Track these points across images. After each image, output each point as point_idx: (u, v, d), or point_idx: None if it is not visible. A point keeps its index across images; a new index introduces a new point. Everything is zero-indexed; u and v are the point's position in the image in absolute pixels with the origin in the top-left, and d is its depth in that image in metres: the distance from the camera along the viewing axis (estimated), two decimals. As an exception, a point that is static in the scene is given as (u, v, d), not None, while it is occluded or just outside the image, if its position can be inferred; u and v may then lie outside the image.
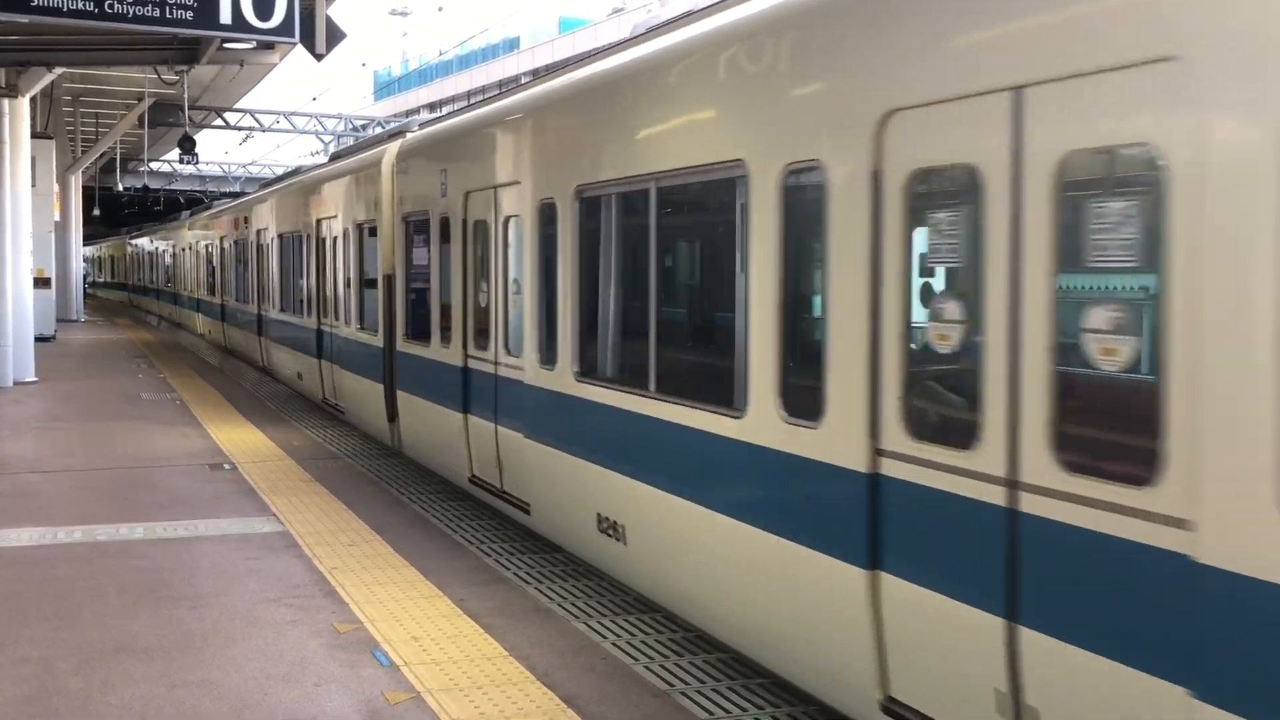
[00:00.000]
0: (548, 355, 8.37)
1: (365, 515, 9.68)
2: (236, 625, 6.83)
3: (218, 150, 72.20)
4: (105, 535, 8.97)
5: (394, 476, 11.54)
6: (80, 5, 11.10)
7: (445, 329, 10.75)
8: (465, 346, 10.26)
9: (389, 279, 12.44)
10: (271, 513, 9.75)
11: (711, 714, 5.63)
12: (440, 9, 78.73)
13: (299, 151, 59.46)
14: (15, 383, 19.05)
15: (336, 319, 15.28)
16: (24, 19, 11.54)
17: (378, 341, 13.03)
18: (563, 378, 8.08)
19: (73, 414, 15.89)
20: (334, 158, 18.16)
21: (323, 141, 47.01)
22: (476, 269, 10.03)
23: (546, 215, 8.33)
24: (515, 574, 8.02)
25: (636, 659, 6.38)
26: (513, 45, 63.47)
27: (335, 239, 15.20)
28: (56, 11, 11.12)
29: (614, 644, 6.61)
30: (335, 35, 13.83)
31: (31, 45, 15.99)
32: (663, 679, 6.08)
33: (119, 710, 5.56)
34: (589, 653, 6.42)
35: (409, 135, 12.55)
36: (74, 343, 28.62)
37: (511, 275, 9.24)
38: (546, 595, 7.53)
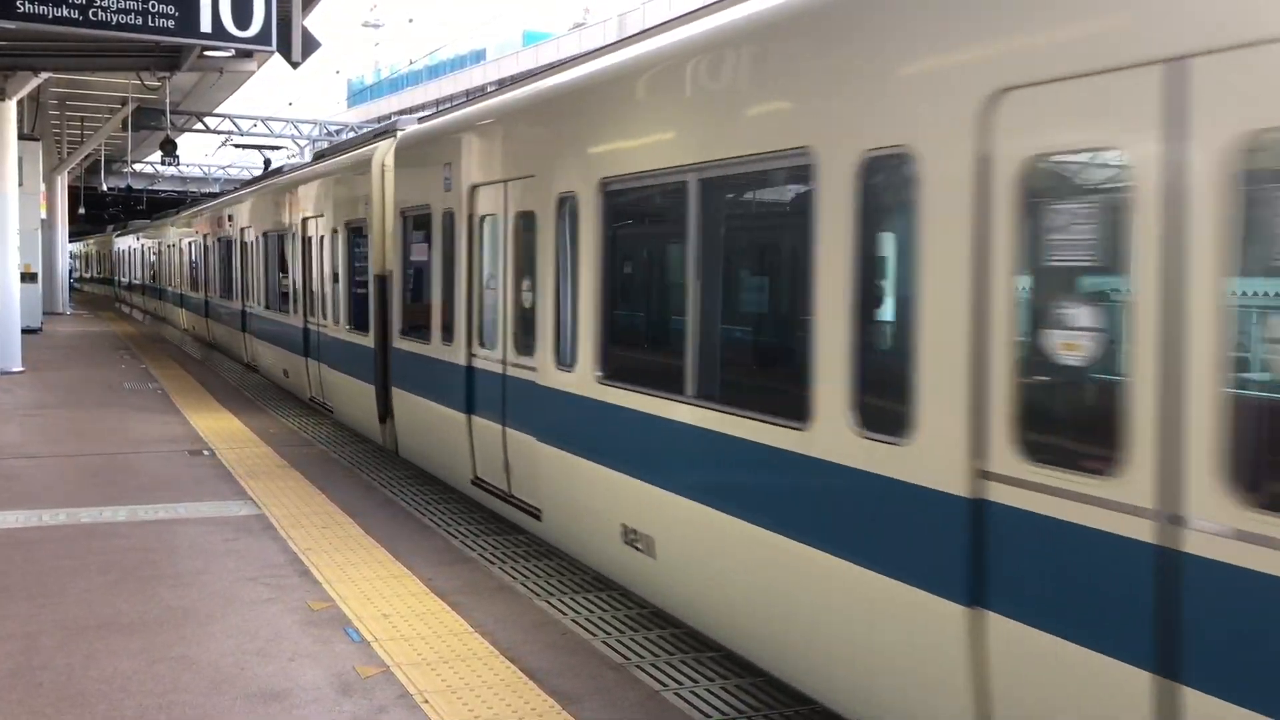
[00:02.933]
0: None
1: (338, 499, 9.58)
2: (215, 603, 6.73)
3: (198, 153, 71.18)
4: (89, 517, 8.82)
5: (365, 463, 11.43)
6: (65, 13, 10.87)
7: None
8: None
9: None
10: (248, 496, 9.62)
11: (665, 685, 5.61)
12: (411, 21, 78.37)
13: (275, 155, 58.71)
14: (2, 373, 18.73)
15: None
16: (10, 25, 11.29)
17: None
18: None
19: (58, 402, 15.62)
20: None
21: (298, 145, 46.47)
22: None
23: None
24: (480, 554, 7.96)
25: (595, 634, 6.34)
26: (479, 56, 63.05)
27: None
28: (42, 18, 10.87)
29: (573, 620, 6.57)
30: (310, 45, 13.62)
31: (18, 50, 15.69)
32: (619, 653, 6.05)
33: (101, 684, 5.45)
34: (549, 628, 6.38)
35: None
36: (60, 335, 28.16)
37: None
38: (509, 574, 7.48)
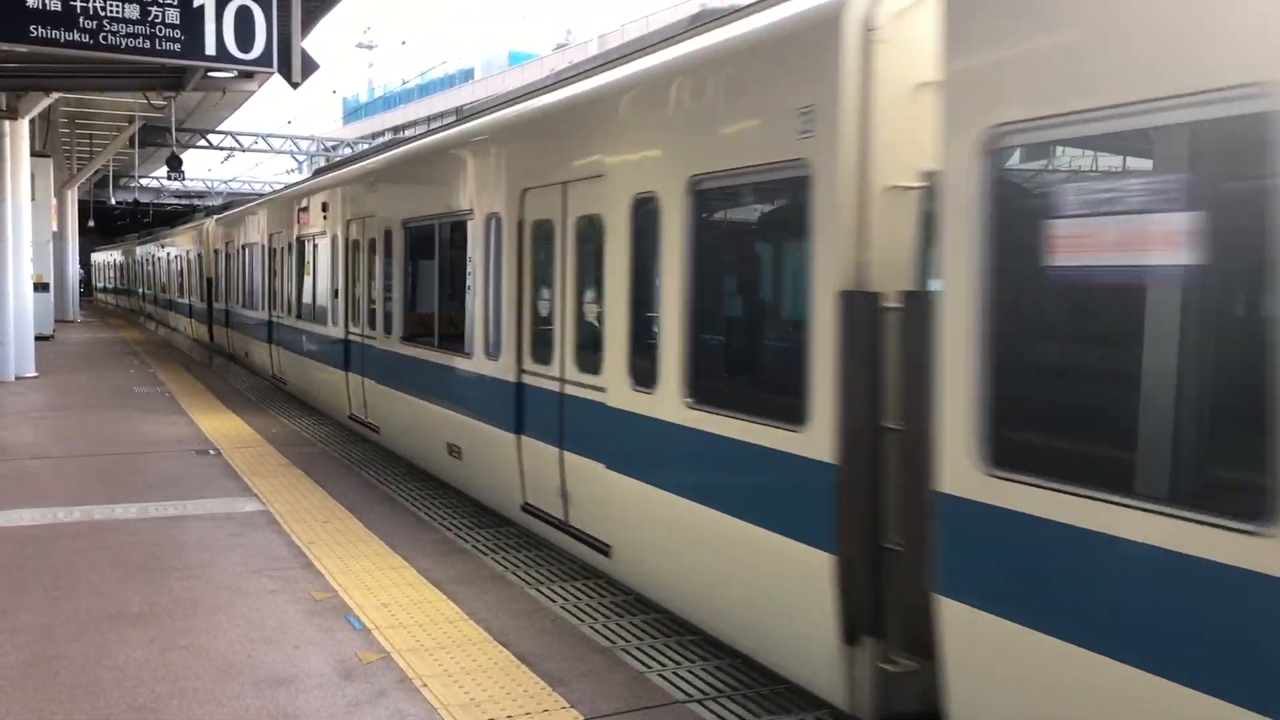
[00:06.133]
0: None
1: (338, 495, 9.55)
2: (222, 594, 6.71)
3: (201, 168, 70.70)
4: (101, 514, 8.77)
5: (364, 461, 11.40)
6: (76, 36, 10.77)
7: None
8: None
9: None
10: (253, 493, 9.58)
11: (649, 667, 5.63)
12: (403, 42, 78.14)
13: (275, 169, 58.52)
14: (17, 377, 18.57)
15: None
16: (23, 48, 11.18)
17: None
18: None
19: (70, 405, 15.51)
20: None
21: (296, 160, 46.29)
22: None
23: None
24: (473, 546, 7.96)
25: (582, 620, 6.35)
26: (468, 75, 62.89)
27: None
28: (54, 42, 10.77)
29: (562, 607, 6.58)
30: (309, 66, 13.53)
31: (30, 72, 15.53)
32: (605, 637, 6.06)
33: (114, 673, 5.43)
34: (540, 615, 6.38)
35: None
36: (71, 341, 27.95)
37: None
38: (501, 565, 7.48)
